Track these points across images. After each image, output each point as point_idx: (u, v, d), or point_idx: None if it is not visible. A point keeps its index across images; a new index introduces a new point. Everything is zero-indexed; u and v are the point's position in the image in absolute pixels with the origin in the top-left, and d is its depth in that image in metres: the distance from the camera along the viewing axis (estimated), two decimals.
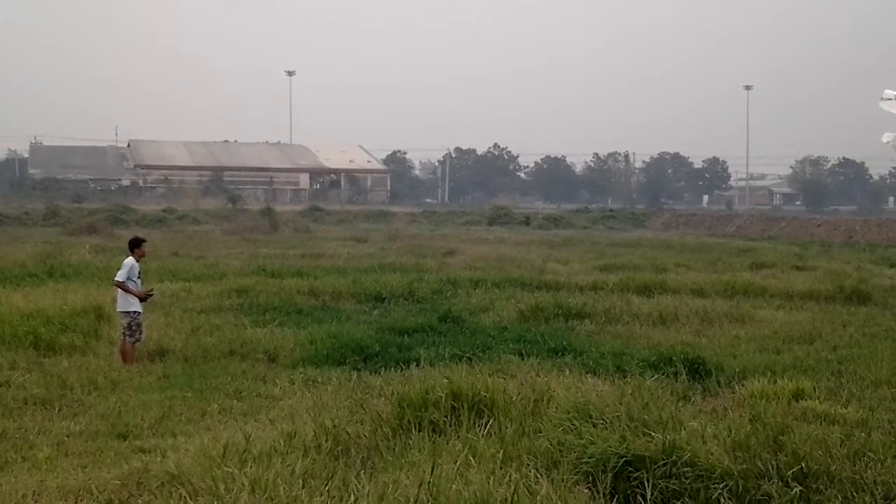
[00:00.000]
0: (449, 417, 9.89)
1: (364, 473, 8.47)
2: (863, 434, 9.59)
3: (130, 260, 16.08)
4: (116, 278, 15.99)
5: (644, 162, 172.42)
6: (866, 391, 12.94)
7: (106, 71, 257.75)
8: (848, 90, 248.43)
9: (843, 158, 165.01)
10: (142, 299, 16.01)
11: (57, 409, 12.61)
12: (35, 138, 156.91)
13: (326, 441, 9.47)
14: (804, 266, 35.03)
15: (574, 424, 9.43)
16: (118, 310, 16.11)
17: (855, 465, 8.62)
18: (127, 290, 15.80)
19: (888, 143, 26.49)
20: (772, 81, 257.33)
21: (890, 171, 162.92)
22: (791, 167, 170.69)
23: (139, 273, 16.20)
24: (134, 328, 15.76)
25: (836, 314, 21.75)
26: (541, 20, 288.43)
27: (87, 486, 8.92)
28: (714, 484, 8.33)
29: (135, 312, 15.80)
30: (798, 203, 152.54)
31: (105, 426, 11.71)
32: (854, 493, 8.17)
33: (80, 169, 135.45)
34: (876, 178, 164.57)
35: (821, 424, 10.29)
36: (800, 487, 8.21)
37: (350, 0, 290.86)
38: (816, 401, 11.80)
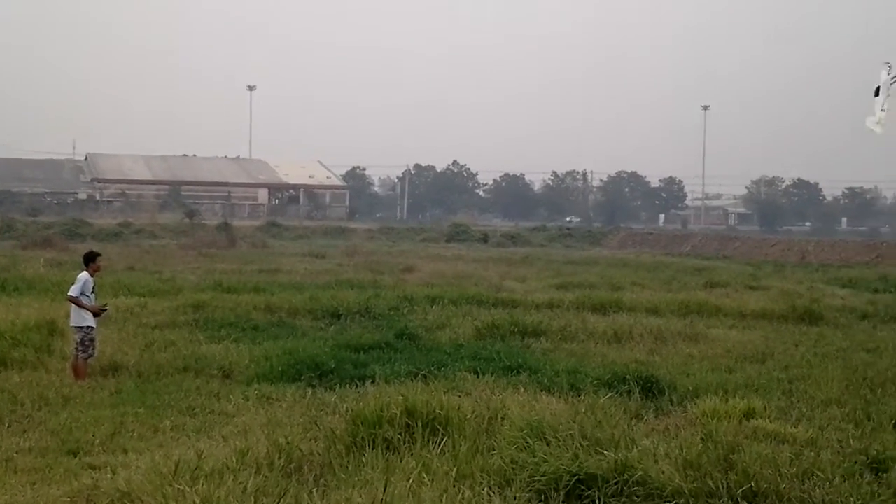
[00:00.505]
0: (403, 435, 9.90)
1: (317, 491, 8.46)
2: (812, 453, 9.71)
3: (85, 274, 15.95)
4: (70, 293, 15.85)
5: (601, 180, 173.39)
6: (816, 411, 13.08)
7: (64, 84, 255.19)
8: (802, 112, 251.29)
9: (798, 179, 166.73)
10: (95, 314, 15.88)
11: (6, 424, 12.46)
12: None
13: (279, 458, 9.46)
14: (758, 286, 35.43)
15: (527, 442, 9.47)
16: (71, 325, 15.98)
17: (804, 485, 8.72)
18: (80, 305, 15.67)
19: (870, 126, 26.82)
20: (728, 102, 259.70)
21: (843, 192, 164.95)
22: (746, 187, 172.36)
23: (93, 288, 16.07)
24: (87, 343, 15.63)
25: (788, 334, 22.00)
26: (499, 39, 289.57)
27: (36, 502, 8.85)
28: (665, 502, 8.42)
29: (88, 328, 15.67)
30: (753, 223, 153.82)
31: (55, 442, 11.60)
32: None
33: (36, 182, 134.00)
34: (829, 199, 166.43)
35: (771, 443, 10.39)
36: None
37: (310, 17, 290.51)
38: (767, 420, 11.90)
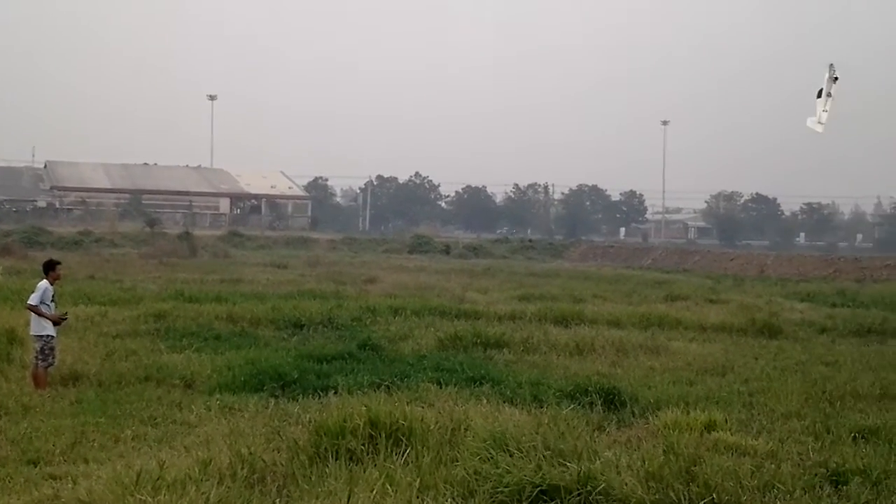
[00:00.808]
0: (366, 446, 9.90)
1: (280, 502, 8.45)
2: (773, 465, 9.80)
3: (44, 283, 15.83)
4: (29, 301, 15.73)
5: (563, 193, 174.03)
6: (776, 423, 13.21)
7: (23, 91, 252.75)
8: (762, 128, 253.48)
9: (756, 194, 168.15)
10: (55, 323, 15.76)
11: None
12: None
13: (242, 469, 9.42)
14: (717, 299, 35.66)
15: (491, 453, 9.50)
16: (31, 333, 15.84)
17: (765, 497, 8.81)
18: (40, 314, 15.54)
19: (811, 126, 28.11)
20: (688, 117, 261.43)
21: (801, 208, 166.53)
22: (706, 202, 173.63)
23: (53, 296, 15.95)
24: (47, 352, 15.50)
25: (747, 347, 22.19)
26: (461, 55, 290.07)
27: None
28: None
29: (48, 336, 15.54)
30: (712, 237, 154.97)
31: (15, 452, 11.48)
32: None
33: None
34: (787, 214, 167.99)
35: (732, 456, 10.48)
36: None
37: (273, 27, 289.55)
38: (728, 432, 11.99)
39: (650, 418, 13.08)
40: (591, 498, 8.64)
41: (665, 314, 27.11)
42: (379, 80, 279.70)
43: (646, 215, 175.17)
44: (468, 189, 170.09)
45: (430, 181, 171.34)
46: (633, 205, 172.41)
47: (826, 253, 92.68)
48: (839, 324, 27.40)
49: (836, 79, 22.98)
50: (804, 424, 13.18)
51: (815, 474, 9.81)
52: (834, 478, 9.89)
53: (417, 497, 8.37)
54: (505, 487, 8.77)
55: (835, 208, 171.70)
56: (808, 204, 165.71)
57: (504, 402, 13.95)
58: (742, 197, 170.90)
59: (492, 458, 9.39)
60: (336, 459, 9.57)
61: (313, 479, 9.18)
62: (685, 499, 8.60)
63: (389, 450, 9.74)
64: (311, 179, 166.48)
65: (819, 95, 22.85)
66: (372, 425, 10.19)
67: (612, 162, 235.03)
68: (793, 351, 21.73)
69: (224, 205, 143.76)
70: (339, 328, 23.38)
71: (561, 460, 9.22)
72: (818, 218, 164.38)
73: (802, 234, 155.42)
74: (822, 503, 8.87)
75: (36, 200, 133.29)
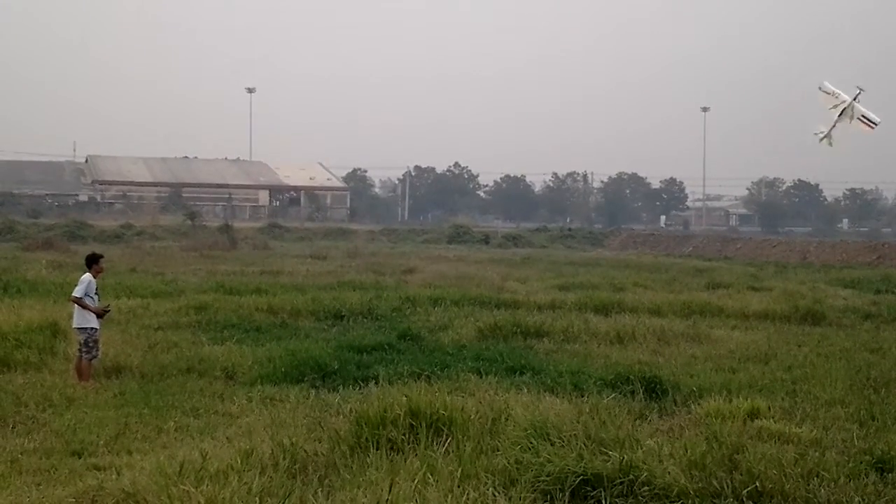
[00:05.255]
0: (407, 436, 9.90)
1: (321, 492, 8.46)
2: (816, 453, 9.72)
3: (88, 276, 15.96)
4: (73, 294, 15.87)
5: (602, 182, 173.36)
6: (820, 411, 13.07)
7: (64, 87, 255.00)
8: (803, 113, 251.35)
9: (798, 181, 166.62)
10: (99, 315, 15.89)
11: (11, 426, 12.47)
12: None
13: (284, 459, 9.46)
14: (760, 286, 35.38)
15: (532, 443, 9.48)
16: (75, 326, 15.97)
17: (809, 485, 8.73)
18: (84, 307, 15.67)
19: (817, 135, 28.69)
20: (728, 103, 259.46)
21: (843, 194, 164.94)
22: (747, 189, 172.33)
23: (97, 289, 16.08)
24: (91, 345, 15.63)
25: (791, 334, 21.99)
26: (499, 43, 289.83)
27: (42, 503, 8.84)
28: (671, 503, 8.41)
29: (91, 329, 15.67)
30: (754, 224, 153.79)
31: (60, 443, 11.60)
32: None
33: (37, 184, 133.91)
34: (830, 200, 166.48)
35: (775, 443, 10.41)
36: None
37: (311, 18, 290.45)
38: (771, 420, 11.93)
39: (692, 406, 13.02)
40: (633, 487, 8.60)
41: (707, 302, 26.93)
42: (416, 70, 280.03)
43: (686, 203, 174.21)
44: (507, 178, 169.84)
45: (469, 171, 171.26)
46: (673, 192, 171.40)
47: (870, 239, 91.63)
48: (884, 310, 27.07)
49: (857, 96, 23.12)
50: (848, 412, 13.04)
51: (860, 462, 9.72)
52: (879, 465, 9.79)
53: (459, 486, 8.36)
54: (546, 476, 8.74)
55: (878, 194, 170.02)
56: (851, 189, 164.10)
57: (545, 391, 13.94)
58: (784, 183, 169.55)
59: (533, 447, 9.37)
60: (377, 449, 9.58)
61: (354, 468, 9.20)
62: (728, 487, 8.54)
63: (430, 439, 9.74)
64: (349, 171, 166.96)
65: (840, 113, 22.97)
66: (412, 415, 10.19)
67: (651, 150, 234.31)
68: (837, 338, 21.50)
69: (263, 197, 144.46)
70: (378, 319, 23.42)
71: (603, 449, 9.18)
72: (861, 203, 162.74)
73: (846, 220, 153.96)
74: (867, 490, 8.76)
75: (77, 195, 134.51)
